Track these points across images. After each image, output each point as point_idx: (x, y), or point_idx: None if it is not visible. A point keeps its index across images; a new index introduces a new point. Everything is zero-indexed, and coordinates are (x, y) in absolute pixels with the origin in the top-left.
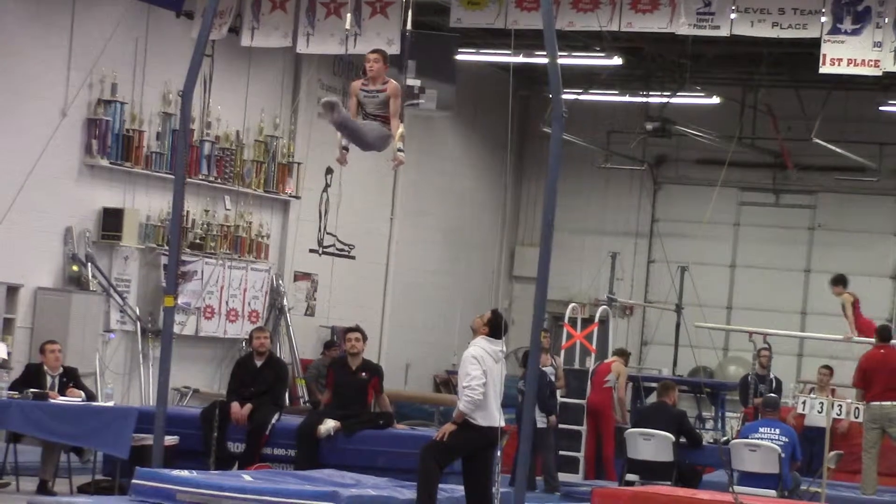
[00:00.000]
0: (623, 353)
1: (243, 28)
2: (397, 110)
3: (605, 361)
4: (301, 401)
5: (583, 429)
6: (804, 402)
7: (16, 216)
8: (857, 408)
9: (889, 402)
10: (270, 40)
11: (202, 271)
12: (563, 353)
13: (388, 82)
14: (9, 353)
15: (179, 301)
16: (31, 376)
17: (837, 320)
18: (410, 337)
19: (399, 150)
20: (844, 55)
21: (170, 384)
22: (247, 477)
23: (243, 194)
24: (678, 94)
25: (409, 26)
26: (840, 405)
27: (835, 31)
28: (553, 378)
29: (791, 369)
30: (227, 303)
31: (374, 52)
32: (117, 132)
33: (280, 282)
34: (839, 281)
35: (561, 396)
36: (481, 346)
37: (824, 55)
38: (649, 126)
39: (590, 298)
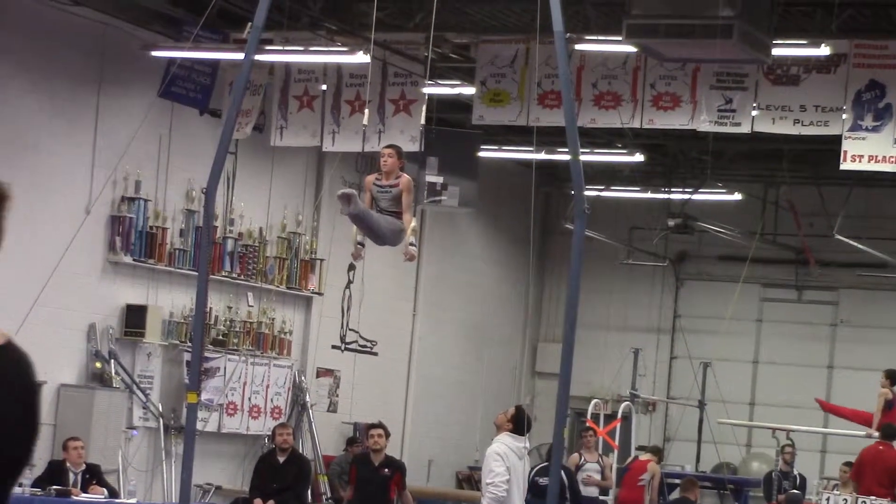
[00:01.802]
0: (657, 451)
1: (271, 127)
2: (409, 205)
3: (641, 459)
4: (324, 497)
5: None
6: (828, 499)
7: (39, 313)
8: None
9: (881, 499)
10: (299, 139)
11: (225, 368)
12: (616, 452)
13: (400, 177)
14: None
15: (202, 398)
16: (54, 473)
17: None
18: (433, 433)
19: (411, 244)
20: (865, 152)
21: (192, 481)
22: None
23: (266, 291)
24: (700, 190)
25: (428, 122)
26: (864, 502)
27: (856, 127)
28: (600, 476)
29: (814, 466)
30: (249, 399)
31: (388, 147)
32: (141, 229)
33: (303, 378)
34: (892, 376)
35: (601, 495)
36: (505, 443)
37: (845, 152)
38: (671, 222)
39: (612, 394)
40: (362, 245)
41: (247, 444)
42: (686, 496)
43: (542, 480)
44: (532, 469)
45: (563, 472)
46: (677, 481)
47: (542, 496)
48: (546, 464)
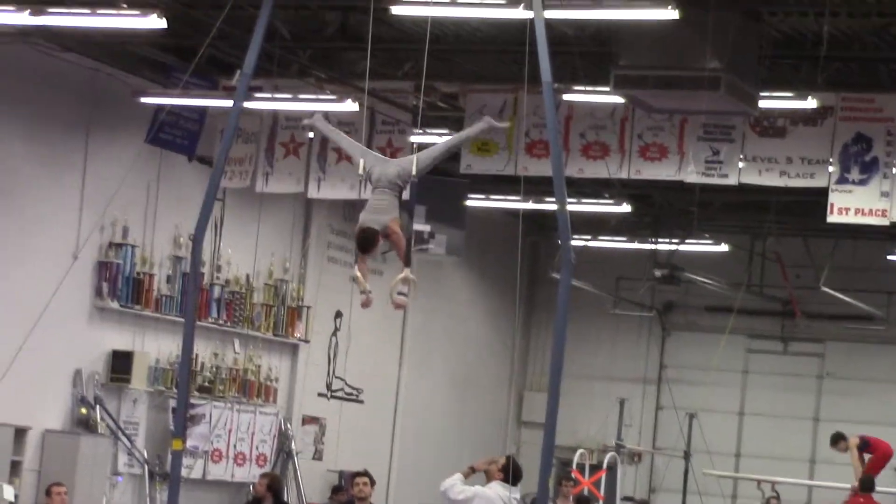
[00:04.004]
0: None
1: (257, 174)
2: (402, 248)
3: None
4: None
5: None
6: None
7: (25, 357)
8: None
9: None
10: (284, 186)
11: (210, 414)
12: (601, 503)
13: (389, 234)
14: (16, 496)
15: (187, 444)
16: None
17: (846, 469)
18: (419, 481)
19: (399, 293)
20: (852, 204)
21: None
22: None
23: (252, 338)
24: (686, 241)
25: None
26: None
27: (842, 180)
28: None
29: None
30: (234, 446)
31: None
32: (128, 275)
33: (288, 425)
34: (837, 439)
35: None
36: (496, 491)
37: (832, 204)
38: (658, 273)
39: (598, 444)
40: (370, 292)
41: (231, 491)
42: None
43: None
44: None
45: None
46: None
47: None
48: None
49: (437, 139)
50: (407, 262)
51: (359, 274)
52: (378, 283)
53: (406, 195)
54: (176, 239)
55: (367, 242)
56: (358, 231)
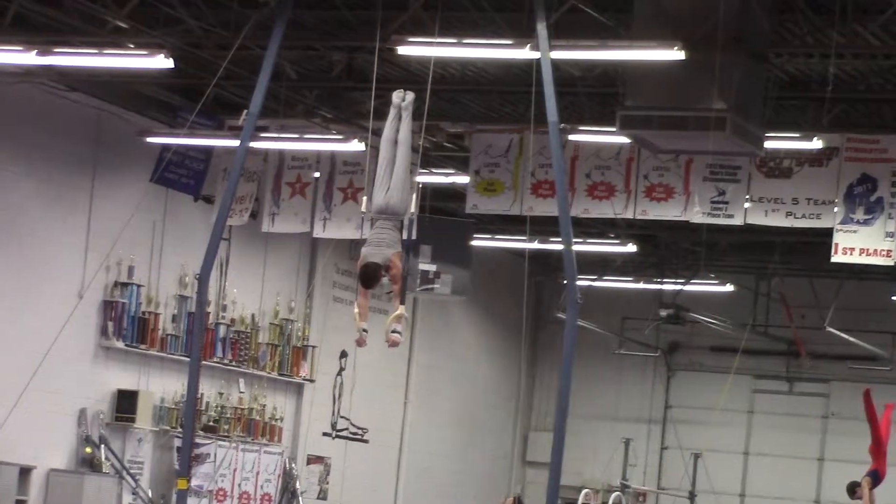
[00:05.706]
0: None
1: (263, 214)
2: (398, 284)
3: None
4: None
5: None
6: None
7: (30, 397)
8: None
9: None
10: (290, 225)
11: (215, 454)
12: None
13: (391, 268)
14: None
15: (192, 484)
16: None
17: None
18: None
19: (394, 331)
20: (857, 244)
21: None
22: None
23: (257, 377)
24: (692, 281)
25: (421, 211)
26: None
27: (847, 220)
28: None
29: None
30: (239, 486)
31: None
32: (133, 314)
33: (293, 465)
34: (853, 487)
35: None
36: None
37: (836, 244)
38: (663, 313)
39: (603, 484)
40: (366, 331)
41: None
42: None
43: None
44: None
45: None
46: None
47: None
48: None
49: (443, 178)
50: (402, 300)
51: (357, 310)
52: (382, 322)
53: (413, 234)
54: (181, 278)
55: (369, 278)
56: (360, 266)
